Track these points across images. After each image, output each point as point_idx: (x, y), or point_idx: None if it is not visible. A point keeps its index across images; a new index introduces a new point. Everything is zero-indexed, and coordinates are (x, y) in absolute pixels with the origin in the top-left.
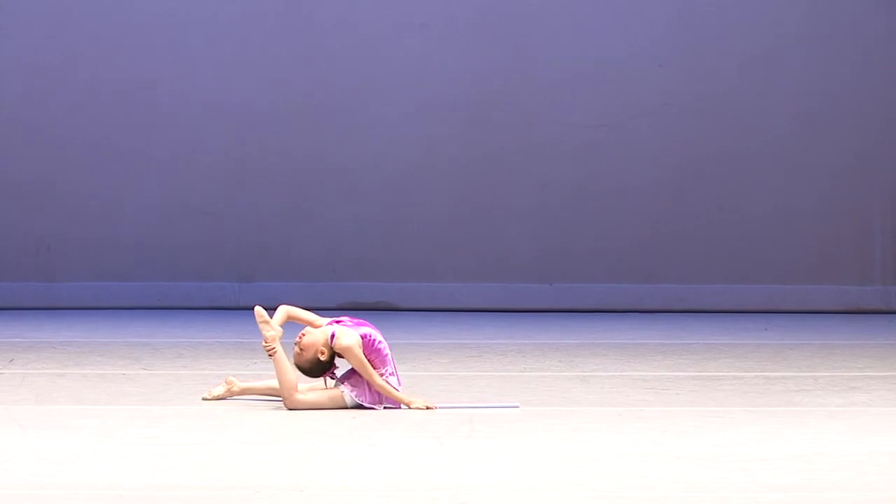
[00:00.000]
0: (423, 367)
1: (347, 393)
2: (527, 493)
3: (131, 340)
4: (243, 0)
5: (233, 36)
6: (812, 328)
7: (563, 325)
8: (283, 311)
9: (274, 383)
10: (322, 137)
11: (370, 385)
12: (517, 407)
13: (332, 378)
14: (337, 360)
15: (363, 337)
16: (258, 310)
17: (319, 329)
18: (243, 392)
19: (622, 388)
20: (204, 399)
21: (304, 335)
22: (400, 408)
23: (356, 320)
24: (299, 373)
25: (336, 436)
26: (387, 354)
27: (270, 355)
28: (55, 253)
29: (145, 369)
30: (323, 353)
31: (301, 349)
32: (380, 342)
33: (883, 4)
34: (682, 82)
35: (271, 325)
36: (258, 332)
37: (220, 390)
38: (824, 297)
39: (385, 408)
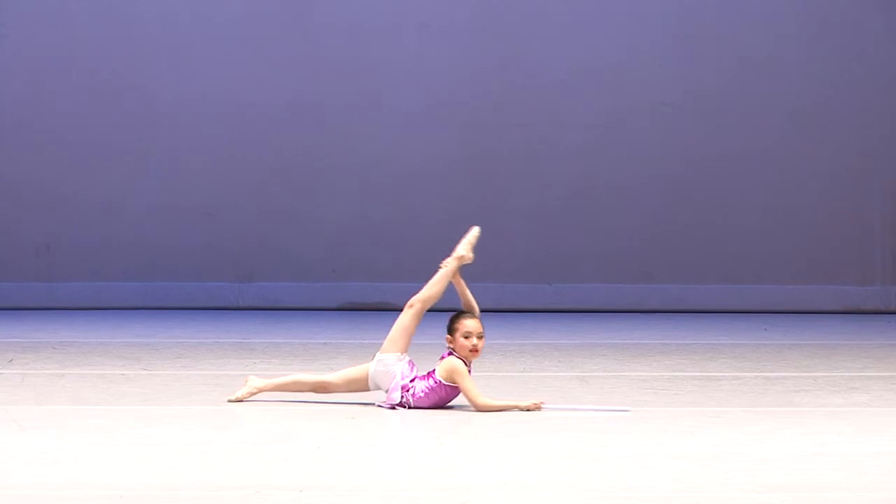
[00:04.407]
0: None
1: (377, 369)
2: (527, 493)
3: (131, 340)
4: (243, 0)
5: (233, 36)
6: (811, 328)
7: (563, 325)
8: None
9: (297, 377)
10: (322, 138)
11: (425, 395)
12: (629, 411)
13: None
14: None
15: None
16: (476, 231)
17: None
18: (263, 390)
19: (622, 388)
20: (229, 401)
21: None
22: (394, 408)
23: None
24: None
25: (336, 436)
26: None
27: (441, 268)
28: (55, 253)
29: (145, 369)
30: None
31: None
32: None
33: (883, 4)
34: (682, 82)
35: (469, 252)
36: (257, 332)
37: (244, 391)
38: (824, 297)
39: (390, 406)
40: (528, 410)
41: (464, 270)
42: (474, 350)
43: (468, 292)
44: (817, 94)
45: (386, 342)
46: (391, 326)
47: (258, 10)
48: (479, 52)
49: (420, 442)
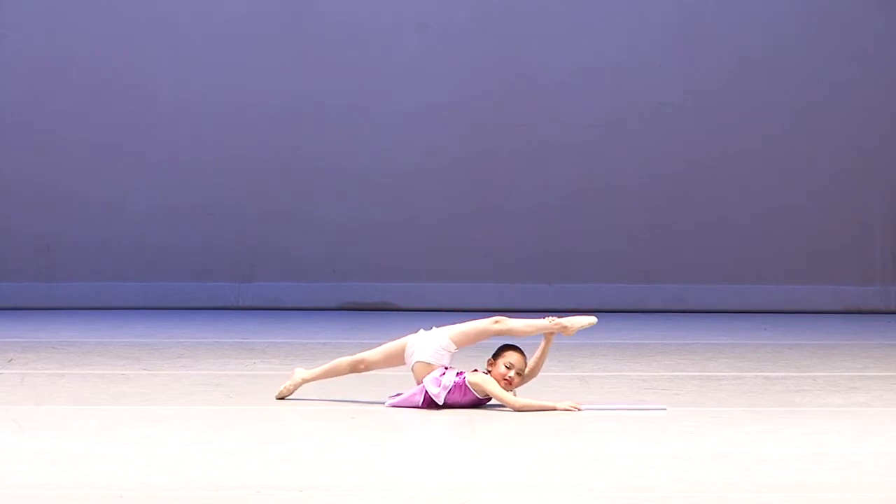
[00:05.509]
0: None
1: (421, 354)
2: (527, 493)
3: (131, 340)
4: (243, 0)
5: (233, 36)
6: (811, 328)
7: None
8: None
9: (335, 361)
10: (322, 137)
11: (458, 392)
12: (665, 409)
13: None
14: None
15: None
16: (595, 321)
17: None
18: (308, 381)
19: (622, 388)
20: (277, 398)
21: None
22: (407, 406)
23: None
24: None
25: (336, 436)
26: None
27: (545, 318)
28: (55, 253)
29: (145, 369)
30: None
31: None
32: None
33: (883, 4)
34: (682, 82)
35: (573, 331)
36: (257, 332)
37: (290, 384)
38: (824, 297)
39: (421, 400)
40: (566, 411)
41: (465, 270)
42: (508, 381)
43: (545, 358)
44: (817, 94)
45: (452, 328)
46: (391, 326)
47: (258, 10)
48: (479, 52)
49: (420, 442)
